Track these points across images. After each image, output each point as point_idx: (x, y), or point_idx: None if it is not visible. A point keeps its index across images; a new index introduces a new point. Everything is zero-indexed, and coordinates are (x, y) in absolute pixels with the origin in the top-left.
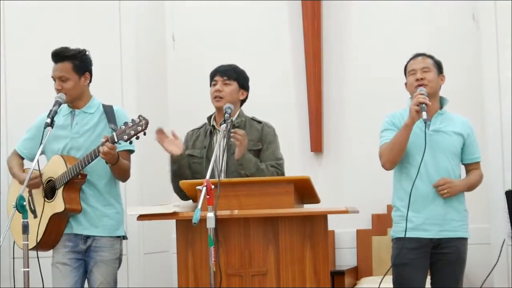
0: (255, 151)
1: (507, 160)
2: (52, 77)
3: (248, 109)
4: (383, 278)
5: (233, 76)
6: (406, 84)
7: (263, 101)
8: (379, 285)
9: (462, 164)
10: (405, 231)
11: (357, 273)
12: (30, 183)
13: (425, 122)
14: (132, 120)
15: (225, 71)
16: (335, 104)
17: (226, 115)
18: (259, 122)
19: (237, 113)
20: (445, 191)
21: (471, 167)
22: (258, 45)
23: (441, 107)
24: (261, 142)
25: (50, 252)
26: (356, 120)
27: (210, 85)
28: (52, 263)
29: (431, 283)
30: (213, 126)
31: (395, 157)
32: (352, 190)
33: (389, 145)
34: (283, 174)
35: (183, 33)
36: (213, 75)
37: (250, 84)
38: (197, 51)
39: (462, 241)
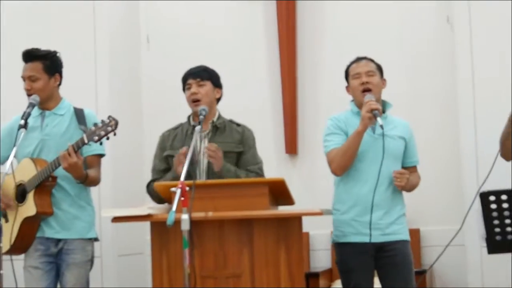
0: (237, 153)
1: (481, 162)
2: (22, 77)
3: (223, 111)
4: None
5: (205, 76)
6: (347, 87)
7: (238, 103)
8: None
9: (402, 167)
10: (347, 236)
11: (331, 275)
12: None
13: (382, 128)
14: (102, 121)
15: (197, 72)
16: (310, 106)
17: (201, 117)
18: (238, 124)
19: (217, 114)
20: (400, 180)
21: (409, 170)
22: (232, 46)
23: (383, 111)
24: (242, 144)
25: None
26: None
27: (184, 90)
28: (24, 266)
29: (382, 287)
30: (193, 126)
31: (346, 163)
32: (327, 192)
33: (340, 151)
34: (263, 177)
35: (158, 34)
36: (185, 78)
37: (225, 85)
38: (172, 52)
39: (405, 243)
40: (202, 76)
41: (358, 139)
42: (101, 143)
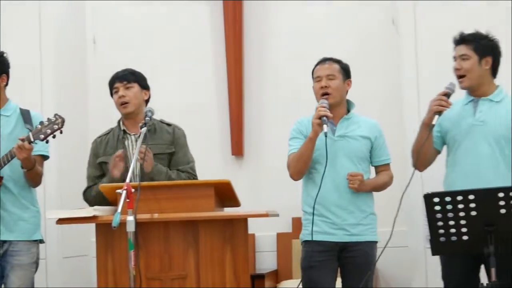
0: (168, 154)
1: None
2: None
3: (169, 112)
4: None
5: (132, 79)
6: (313, 88)
7: (184, 104)
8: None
9: (372, 166)
10: (312, 234)
11: (277, 276)
12: None
13: (325, 135)
14: (48, 119)
15: (123, 76)
16: (256, 107)
17: (147, 118)
18: (169, 124)
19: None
20: (352, 183)
21: (379, 169)
22: (179, 47)
23: (348, 110)
24: (174, 145)
25: None
26: (277, 123)
27: (111, 94)
28: None
29: (342, 286)
30: (123, 130)
31: (301, 168)
32: (273, 194)
33: (295, 156)
34: (195, 177)
35: (104, 35)
36: (112, 83)
37: (172, 86)
38: (118, 54)
39: (370, 244)
40: (129, 79)
41: (311, 145)
42: (47, 141)
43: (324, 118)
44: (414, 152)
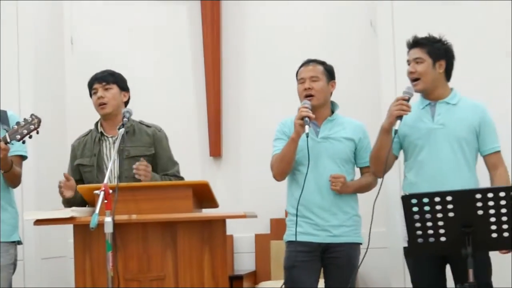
0: (148, 156)
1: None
2: None
3: (147, 113)
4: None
5: (111, 80)
6: (297, 90)
7: (162, 105)
8: None
9: (357, 167)
10: (295, 235)
11: (255, 277)
12: None
13: (307, 136)
14: (25, 119)
15: (102, 77)
16: (234, 108)
17: (125, 119)
18: (148, 126)
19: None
20: (335, 185)
21: (364, 170)
22: (156, 47)
23: (332, 112)
24: (154, 147)
25: None
26: (255, 124)
27: (90, 95)
28: None
29: (325, 287)
30: (101, 133)
31: (284, 169)
32: (251, 195)
33: (278, 157)
34: (182, 179)
35: (81, 36)
36: (91, 84)
37: (149, 87)
38: (96, 54)
39: (353, 246)
40: (108, 80)
41: (293, 146)
42: (23, 142)
43: (306, 118)
44: (374, 158)
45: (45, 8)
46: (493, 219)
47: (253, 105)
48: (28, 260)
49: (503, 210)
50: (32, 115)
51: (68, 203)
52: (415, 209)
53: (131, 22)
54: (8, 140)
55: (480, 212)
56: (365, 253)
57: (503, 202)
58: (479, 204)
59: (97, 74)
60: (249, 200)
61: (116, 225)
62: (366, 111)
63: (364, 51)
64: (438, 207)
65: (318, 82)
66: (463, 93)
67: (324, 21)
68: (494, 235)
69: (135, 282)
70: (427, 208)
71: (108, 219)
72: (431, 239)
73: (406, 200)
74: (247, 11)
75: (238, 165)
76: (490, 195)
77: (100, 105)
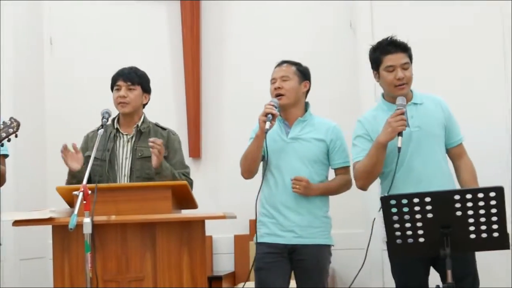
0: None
1: None
2: None
3: None
4: None
5: (136, 80)
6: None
7: None
8: None
9: (332, 169)
10: (257, 237)
11: (234, 278)
12: None
13: (265, 132)
14: (3, 122)
15: (128, 75)
16: (213, 109)
17: (104, 120)
18: (164, 128)
19: (142, 118)
20: (297, 187)
21: (337, 172)
22: (136, 48)
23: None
24: (167, 149)
25: None
26: (235, 125)
27: (112, 90)
28: None
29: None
30: (117, 129)
31: (249, 166)
32: (230, 196)
33: (243, 154)
34: (192, 183)
35: (61, 36)
36: (115, 79)
37: None
38: (75, 54)
39: (321, 248)
40: (133, 81)
41: (256, 143)
42: (2, 145)
43: (269, 115)
44: (367, 172)
45: (24, 8)
46: (471, 220)
47: (232, 106)
48: (6, 260)
49: (481, 211)
50: (11, 118)
51: (74, 177)
52: (394, 210)
53: (110, 23)
54: None
55: (458, 213)
56: (365, 257)
57: (481, 203)
58: (458, 205)
59: (123, 70)
60: (228, 201)
61: (95, 226)
62: (344, 111)
63: (343, 51)
64: (417, 208)
65: (288, 82)
66: (447, 94)
67: (304, 21)
68: (473, 236)
69: (114, 283)
70: (406, 209)
71: (87, 220)
72: (410, 240)
73: (385, 201)
74: (226, 12)
75: (218, 166)
76: (468, 196)
77: (120, 103)
